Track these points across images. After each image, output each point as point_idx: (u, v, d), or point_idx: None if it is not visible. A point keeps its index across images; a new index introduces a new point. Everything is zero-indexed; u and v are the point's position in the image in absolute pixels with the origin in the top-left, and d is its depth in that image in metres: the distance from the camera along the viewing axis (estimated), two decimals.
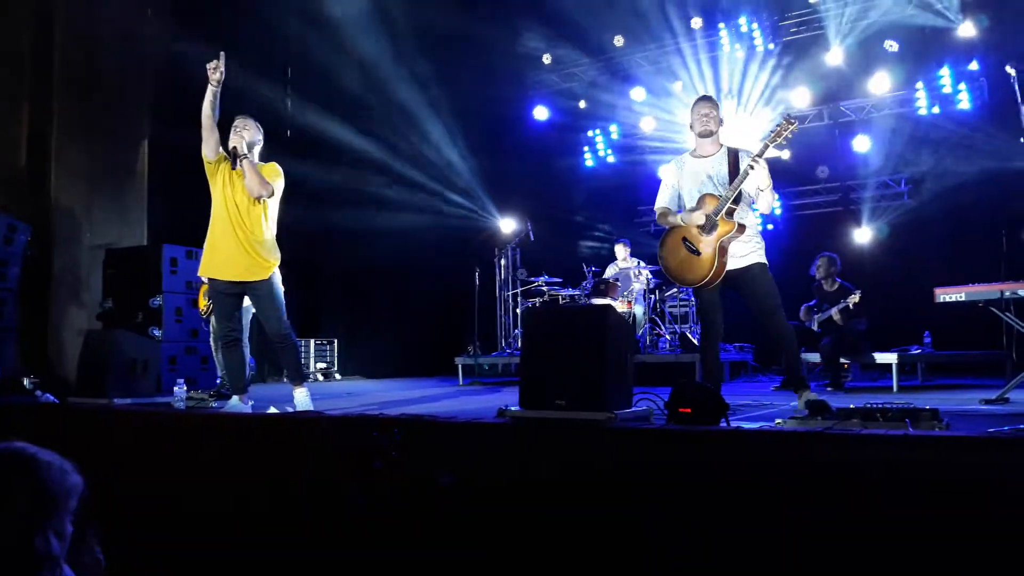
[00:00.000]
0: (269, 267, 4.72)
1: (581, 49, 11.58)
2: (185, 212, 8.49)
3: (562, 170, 12.37)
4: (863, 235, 10.19)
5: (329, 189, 10.18)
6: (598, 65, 11.80)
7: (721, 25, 10.68)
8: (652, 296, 9.32)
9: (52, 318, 7.43)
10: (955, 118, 9.59)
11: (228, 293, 4.77)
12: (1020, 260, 6.94)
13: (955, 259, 8.43)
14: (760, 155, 4.25)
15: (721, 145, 4.55)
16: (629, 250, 9.85)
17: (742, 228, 4.36)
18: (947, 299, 5.32)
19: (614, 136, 12.24)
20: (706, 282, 4.38)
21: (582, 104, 12.13)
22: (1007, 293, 4.99)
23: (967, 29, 9.34)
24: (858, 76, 10.21)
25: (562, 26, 10.92)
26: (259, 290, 4.73)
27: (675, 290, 9.38)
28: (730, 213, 4.35)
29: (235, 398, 4.75)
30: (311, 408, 4.65)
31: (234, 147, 4.63)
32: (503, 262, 10.64)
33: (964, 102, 9.55)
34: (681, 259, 4.49)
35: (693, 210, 4.44)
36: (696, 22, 10.54)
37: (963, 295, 5.23)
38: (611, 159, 12.35)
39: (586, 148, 12.52)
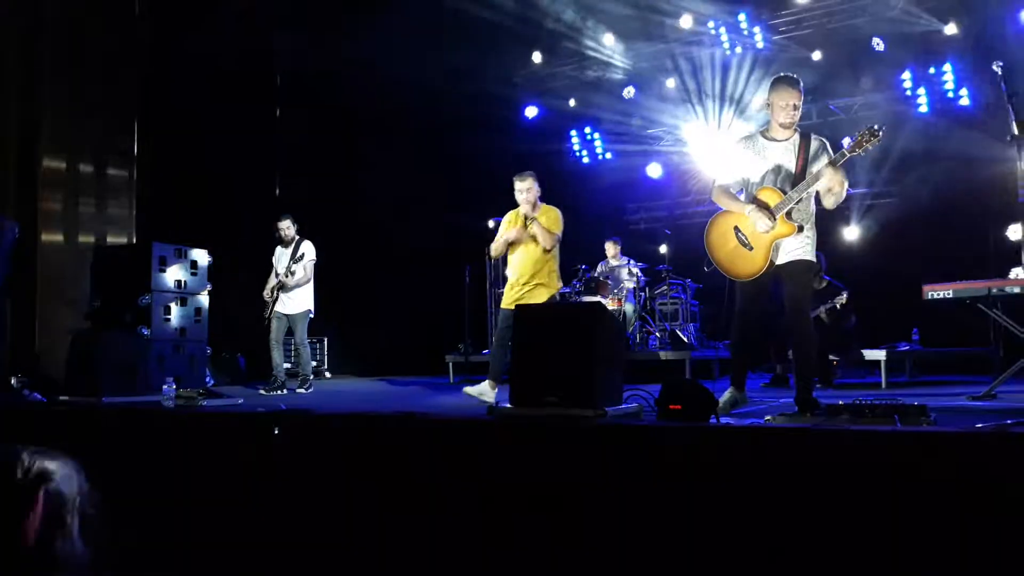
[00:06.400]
0: (542, 295, 5.54)
1: (572, 47, 11.56)
2: (174, 211, 8.47)
3: (552, 168, 12.29)
4: (852, 232, 10.23)
5: (320, 186, 10.17)
6: (589, 63, 11.78)
7: (711, 24, 10.68)
8: (642, 294, 9.34)
9: (40, 317, 7.37)
10: (943, 116, 9.62)
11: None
12: (1007, 257, 6.98)
13: (943, 256, 8.46)
14: (837, 163, 4.06)
15: (796, 131, 4.28)
16: (619, 248, 9.84)
17: (800, 230, 4.16)
18: (935, 296, 5.33)
19: (604, 135, 12.24)
20: (753, 280, 4.22)
21: (572, 102, 12.12)
22: (995, 290, 5.01)
23: (953, 28, 9.39)
24: (846, 75, 10.24)
25: (553, 24, 10.91)
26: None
27: (665, 287, 9.40)
28: (790, 214, 4.15)
29: (487, 383, 5.44)
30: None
31: (524, 215, 5.65)
32: (493, 260, 10.61)
33: (952, 100, 9.60)
34: (731, 250, 4.28)
35: (758, 207, 4.18)
36: (686, 20, 10.54)
37: (951, 292, 5.24)
38: (601, 157, 12.35)
39: (576, 146, 12.51)
